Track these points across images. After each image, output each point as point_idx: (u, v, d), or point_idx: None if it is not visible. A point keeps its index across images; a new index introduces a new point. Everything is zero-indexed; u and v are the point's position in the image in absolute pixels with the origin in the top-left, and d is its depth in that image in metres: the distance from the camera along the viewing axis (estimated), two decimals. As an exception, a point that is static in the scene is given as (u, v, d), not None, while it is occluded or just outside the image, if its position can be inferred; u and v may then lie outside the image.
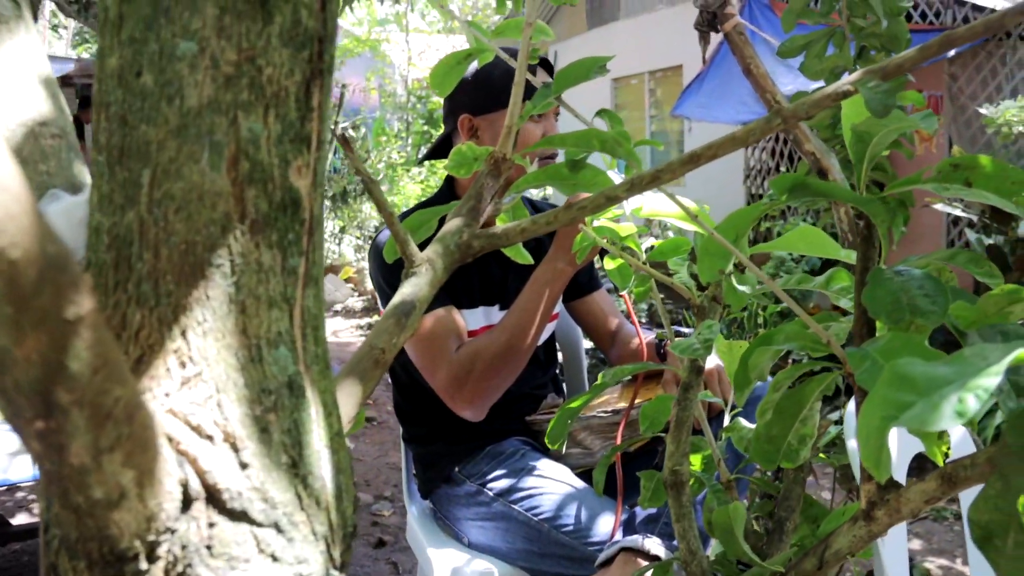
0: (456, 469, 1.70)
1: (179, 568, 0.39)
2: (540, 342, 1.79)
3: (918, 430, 0.43)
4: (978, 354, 0.44)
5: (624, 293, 1.56)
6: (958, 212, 4.73)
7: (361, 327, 6.37)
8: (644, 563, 1.33)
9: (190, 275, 0.42)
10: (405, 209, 1.82)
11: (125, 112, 0.44)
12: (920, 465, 1.14)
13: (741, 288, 0.79)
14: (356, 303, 7.16)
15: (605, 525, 1.48)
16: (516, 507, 1.56)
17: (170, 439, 0.41)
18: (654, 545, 1.36)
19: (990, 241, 4.57)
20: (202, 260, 0.42)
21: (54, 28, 19.59)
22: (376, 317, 6.43)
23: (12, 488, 3.11)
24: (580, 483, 1.58)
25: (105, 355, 0.33)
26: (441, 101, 9.52)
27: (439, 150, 1.77)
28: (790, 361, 2.76)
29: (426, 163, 9.82)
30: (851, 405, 1.36)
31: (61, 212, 0.55)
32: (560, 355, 2.03)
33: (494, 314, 1.72)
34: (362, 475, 3.51)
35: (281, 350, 0.42)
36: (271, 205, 0.43)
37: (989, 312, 0.60)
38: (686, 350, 0.87)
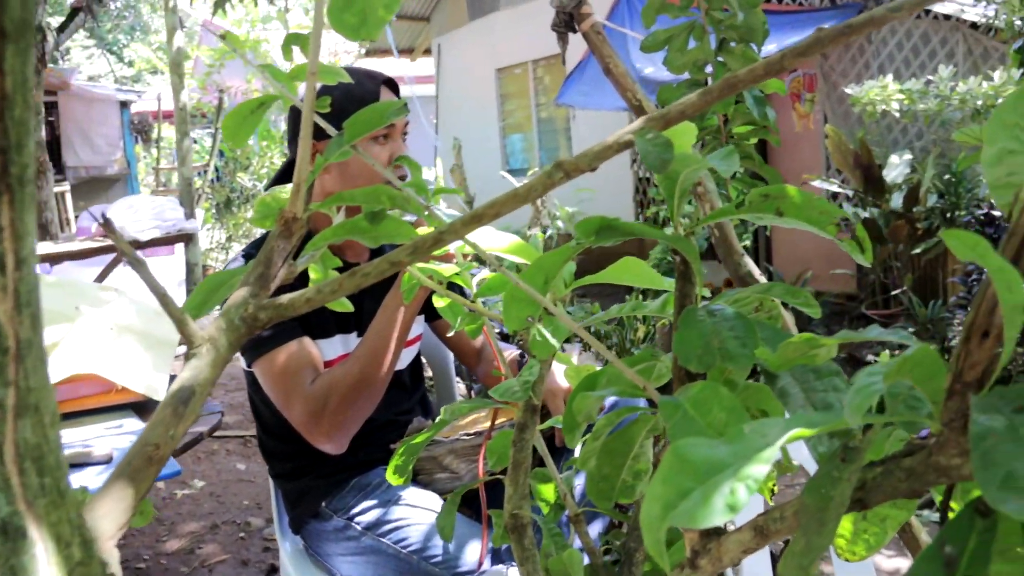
0: (323, 504, 1.65)
1: None
2: (403, 366, 1.76)
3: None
4: (757, 431, 0.43)
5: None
6: (835, 188, 4.87)
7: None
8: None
9: None
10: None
11: None
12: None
13: (551, 338, 0.77)
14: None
15: (472, 554, 1.46)
16: (384, 540, 1.53)
17: None
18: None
19: (866, 214, 4.72)
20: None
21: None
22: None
23: None
24: (447, 511, 1.56)
25: None
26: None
27: (286, 176, 1.71)
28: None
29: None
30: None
31: None
32: (431, 373, 2.00)
33: (352, 341, 1.68)
34: (253, 497, 3.42)
35: (-12, 495, 0.38)
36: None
37: (791, 358, 0.59)
38: (506, 393, 0.85)
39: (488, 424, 1.60)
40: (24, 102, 0.39)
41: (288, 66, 0.81)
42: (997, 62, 5.22)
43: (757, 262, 6.23)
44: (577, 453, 1.03)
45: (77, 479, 1.85)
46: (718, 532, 0.64)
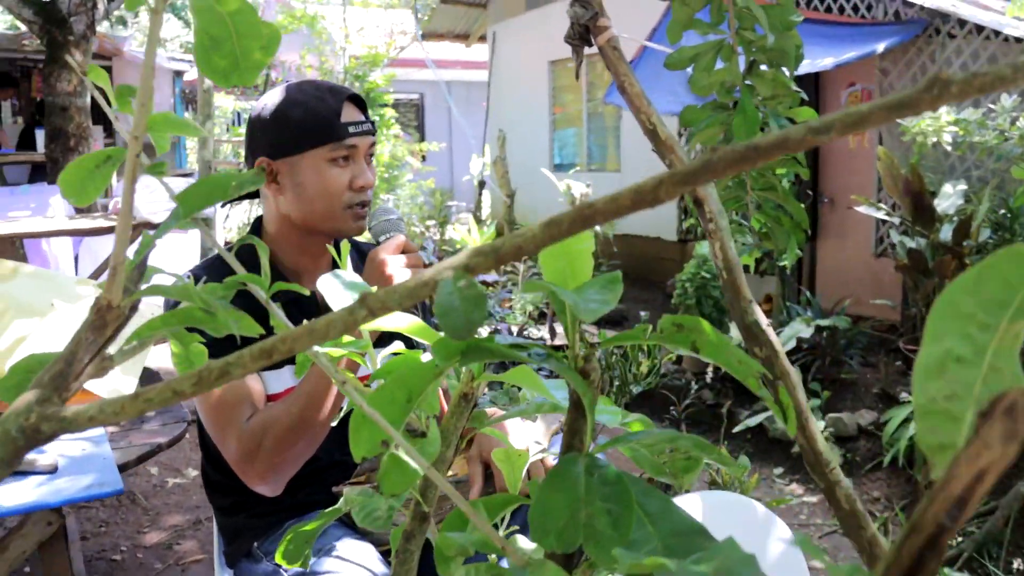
0: (256, 545, 1.54)
1: None
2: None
3: None
4: None
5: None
6: (882, 215, 4.63)
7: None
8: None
9: None
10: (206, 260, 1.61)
11: None
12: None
13: (415, 463, 0.62)
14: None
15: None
16: None
17: None
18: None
19: (912, 244, 4.47)
20: None
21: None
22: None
23: None
24: (381, 568, 1.41)
25: None
26: (379, 80, 9.19)
27: (252, 193, 1.58)
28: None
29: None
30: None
31: None
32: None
33: None
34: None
35: None
36: None
37: None
38: (368, 519, 0.72)
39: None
40: None
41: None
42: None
43: (799, 283, 5.99)
44: None
45: (16, 488, 1.75)
46: None
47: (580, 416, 0.65)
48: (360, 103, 1.52)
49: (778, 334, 4.43)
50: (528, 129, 9.74)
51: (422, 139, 14.48)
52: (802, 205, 2.46)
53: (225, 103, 11.13)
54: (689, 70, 2.42)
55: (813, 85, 6.26)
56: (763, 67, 2.20)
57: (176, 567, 2.79)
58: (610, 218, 0.44)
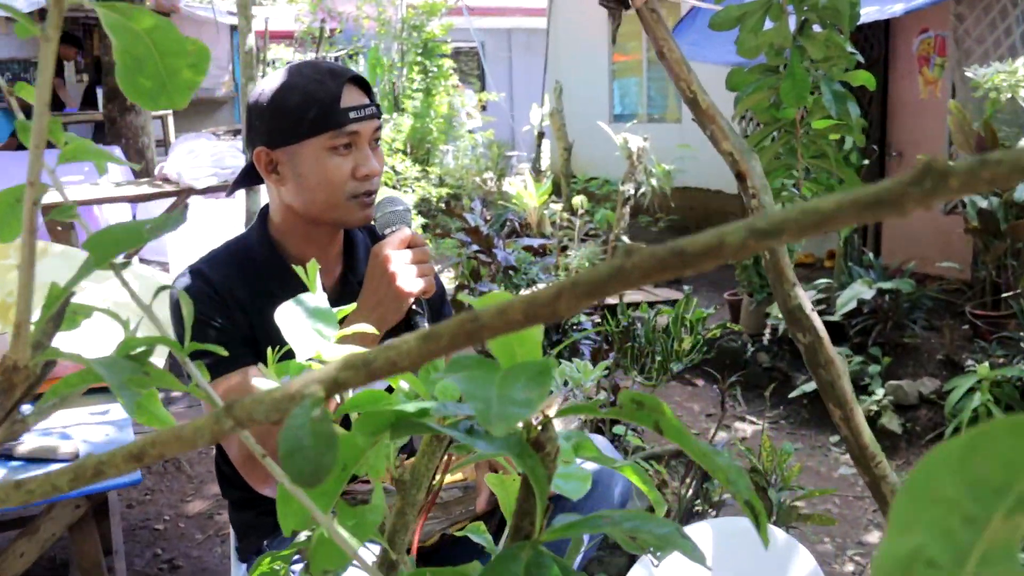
0: (265, 543, 1.51)
1: None
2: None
3: None
4: None
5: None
6: (951, 171, 4.39)
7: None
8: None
9: None
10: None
11: None
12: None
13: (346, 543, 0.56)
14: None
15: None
16: None
17: None
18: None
19: (984, 204, 4.25)
20: None
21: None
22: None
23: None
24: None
25: None
26: (436, 30, 9.06)
27: (248, 178, 1.51)
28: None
29: (385, 105, 9.44)
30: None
31: None
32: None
33: None
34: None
35: None
36: None
37: None
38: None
39: (448, 478, 1.39)
40: None
41: None
42: None
43: (863, 243, 5.76)
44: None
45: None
46: None
47: (530, 495, 0.58)
48: (363, 85, 1.43)
49: (837, 296, 4.26)
50: (587, 78, 9.52)
51: (483, 88, 14.30)
52: (863, 162, 2.27)
53: (284, 55, 11.08)
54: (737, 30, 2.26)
55: (883, 33, 5.96)
56: (815, 27, 2.04)
57: (216, 538, 2.81)
58: (496, 334, 0.36)
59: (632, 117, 9.25)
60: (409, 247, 1.32)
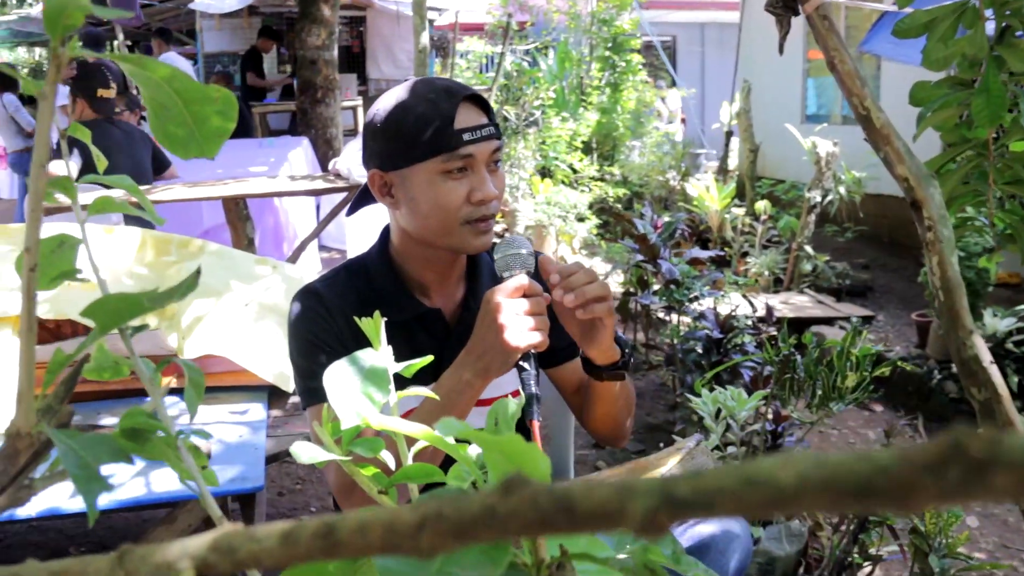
0: None
1: None
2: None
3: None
4: None
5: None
6: None
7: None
8: None
9: None
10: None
11: None
12: None
13: None
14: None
15: None
16: None
17: None
18: None
19: None
20: None
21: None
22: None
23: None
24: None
25: None
26: (626, 24, 8.94)
27: (366, 197, 1.46)
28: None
29: (568, 105, 9.34)
30: None
31: None
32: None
33: None
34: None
35: None
36: None
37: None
38: None
39: None
40: None
41: None
42: None
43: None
44: None
45: (168, 475, 1.78)
46: None
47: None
48: (482, 104, 1.35)
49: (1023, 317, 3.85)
50: (779, 75, 9.11)
51: (673, 84, 14.01)
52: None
53: (476, 47, 11.23)
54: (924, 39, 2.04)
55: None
56: (1018, 34, 1.79)
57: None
58: (352, 555, 0.29)
59: (826, 118, 8.78)
60: (525, 296, 1.23)
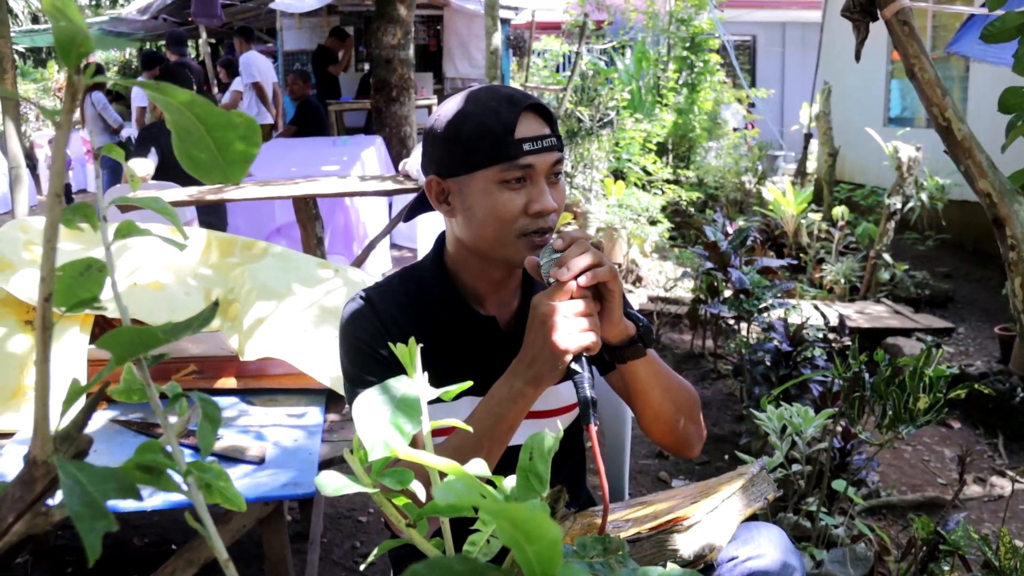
0: None
1: None
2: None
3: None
4: None
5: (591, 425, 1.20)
6: None
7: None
8: None
9: None
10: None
11: None
12: None
13: None
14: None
15: None
16: None
17: None
18: None
19: None
20: None
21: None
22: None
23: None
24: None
25: None
26: (704, 23, 8.81)
27: (424, 204, 1.45)
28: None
29: (644, 106, 9.21)
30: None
31: None
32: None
33: None
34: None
35: None
36: None
37: None
38: None
39: (657, 522, 1.26)
40: None
41: None
42: None
43: None
44: None
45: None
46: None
47: None
48: (544, 113, 1.33)
49: None
50: (861, 77, 8.87)
51: (752, 84, 13.77)
52: None
53: (553, 46, 11.18)
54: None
55: None
56: None
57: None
58: None
59: (910, 121, 8.53)
60: (573, 298, 1.20)
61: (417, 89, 7.97)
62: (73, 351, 2.05)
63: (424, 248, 4.87)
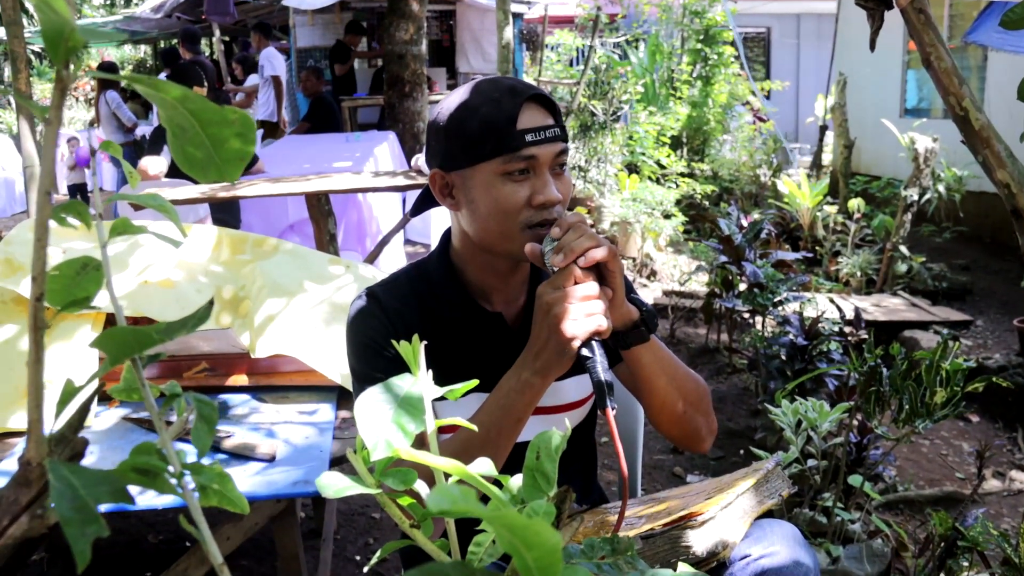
0: None
1: None
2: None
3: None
4: None
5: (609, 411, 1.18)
6: None
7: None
8: None
9: None
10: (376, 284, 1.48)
11: None
12: None
13: None
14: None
15: None
16: None
17: None
18: None
19: None
20: None
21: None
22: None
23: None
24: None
25: None
26: (717, 16, 8.75)
27: (429, 198, 1.44)
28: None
29: (658, 99, 9.17)
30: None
31: None
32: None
33: None
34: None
35: None
36: None
37: None
38: None
39: (670, 519, 1.25)
40: None
41: None
42: None
43: None
44: None
45: (233, 474, 1.79)
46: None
47: None
48: (548, 104, 1.31)
49: None
50: (877, 67, 8.80)
51: (767, 76, 13.68)
52: None
53: (565, 40, 11.14)
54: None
55: None
56: None
57: (429, 536, 2.83)
58: None
59: (926, 112, 8.45)
60: (576, 283, 1.18)
61: (430, 84, 7.95)
62: (84, 350, 2.05)
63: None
